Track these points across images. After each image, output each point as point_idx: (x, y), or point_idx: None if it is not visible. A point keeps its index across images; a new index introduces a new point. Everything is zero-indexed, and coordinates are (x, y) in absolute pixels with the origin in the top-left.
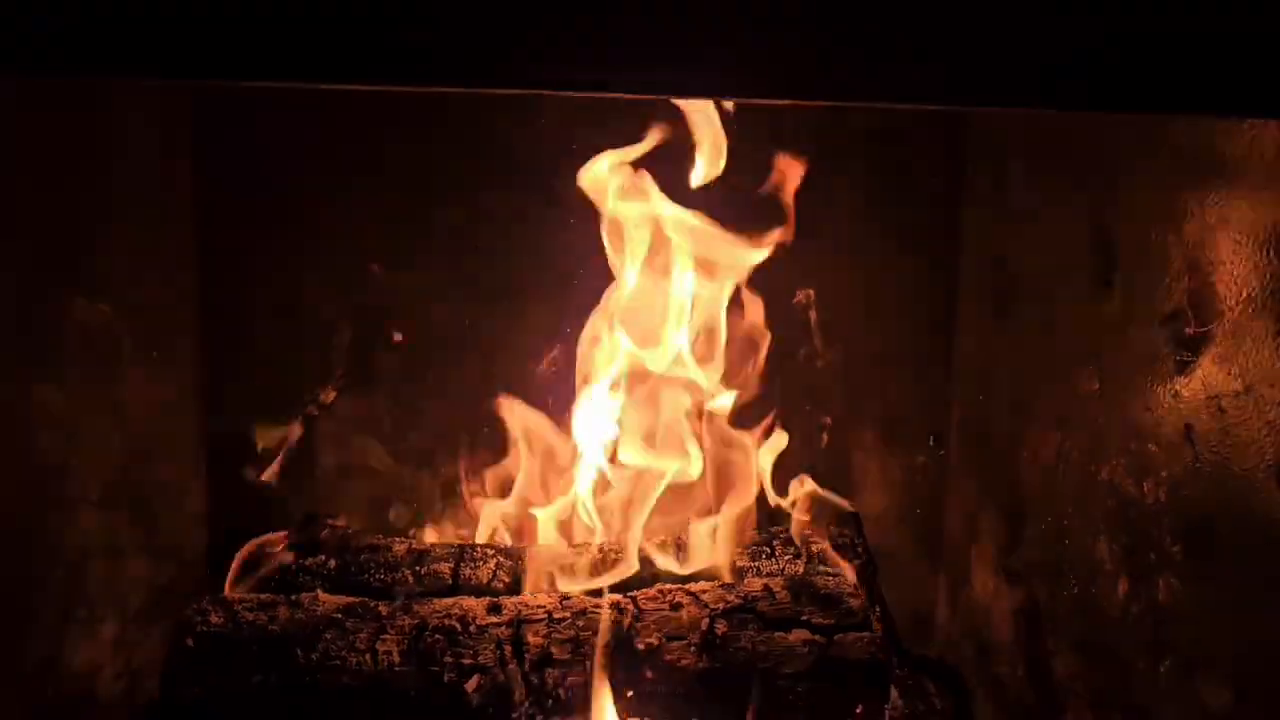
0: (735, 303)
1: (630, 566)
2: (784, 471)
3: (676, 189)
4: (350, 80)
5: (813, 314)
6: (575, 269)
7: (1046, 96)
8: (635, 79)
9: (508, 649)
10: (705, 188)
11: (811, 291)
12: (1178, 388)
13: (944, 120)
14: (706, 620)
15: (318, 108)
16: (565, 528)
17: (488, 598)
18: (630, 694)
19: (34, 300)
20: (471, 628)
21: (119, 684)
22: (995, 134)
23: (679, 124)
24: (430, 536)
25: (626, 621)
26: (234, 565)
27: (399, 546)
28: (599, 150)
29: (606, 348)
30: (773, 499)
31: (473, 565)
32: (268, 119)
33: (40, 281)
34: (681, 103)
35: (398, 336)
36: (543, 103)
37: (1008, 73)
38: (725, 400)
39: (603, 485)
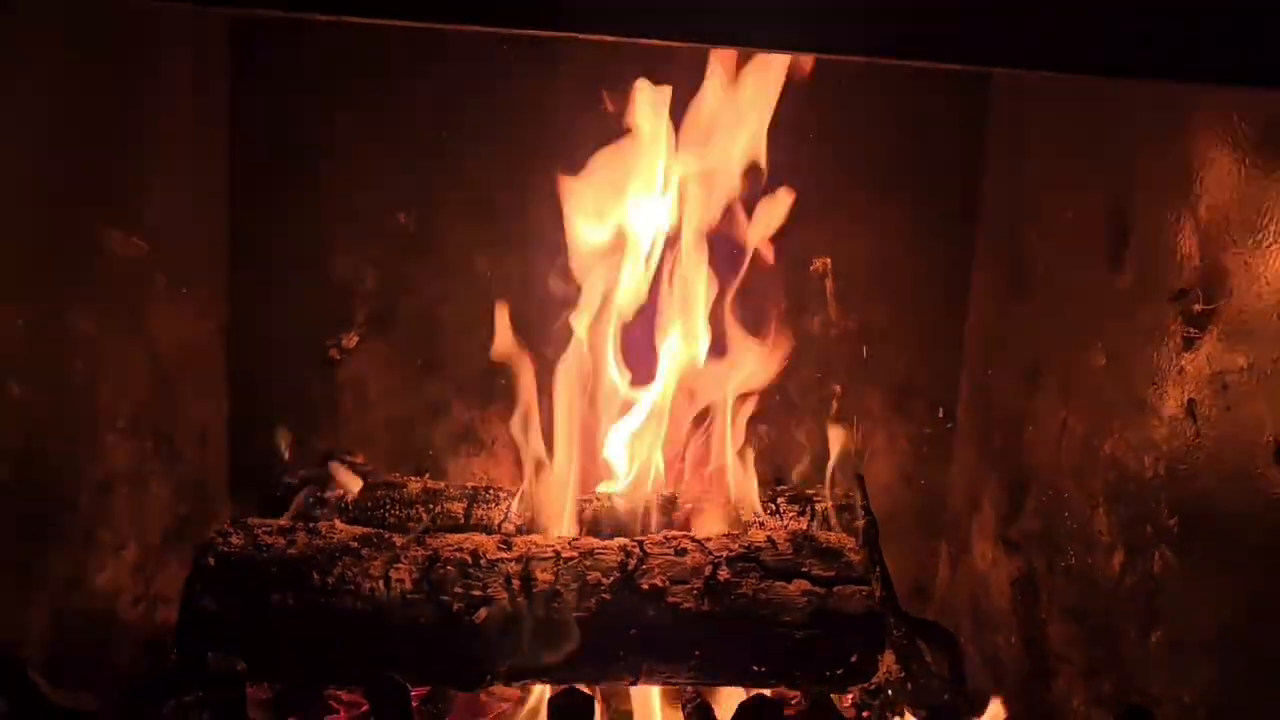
0: None
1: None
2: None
3: None
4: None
5: (828, 282)
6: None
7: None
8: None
9: (516, 584)
10: None
11: (828, 260)
12: (1183, 364)
13: (965, 93)
14: (710, 566)
15: (351, 57)
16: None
17: (499, 535)
18: (633, 632)
19: (70, 229)
20: (482, 561)
21: (138, 607)
22: (1016, 109)
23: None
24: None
25: (632, 564)
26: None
27: (414, 485)
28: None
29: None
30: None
31: (485, 506)
32: (301, 64)
33: (77, 211)
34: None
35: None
36: (570, 52)
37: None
38: None
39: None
